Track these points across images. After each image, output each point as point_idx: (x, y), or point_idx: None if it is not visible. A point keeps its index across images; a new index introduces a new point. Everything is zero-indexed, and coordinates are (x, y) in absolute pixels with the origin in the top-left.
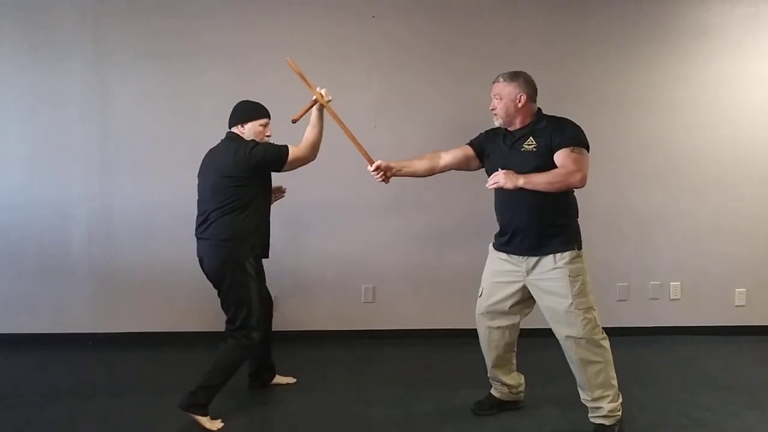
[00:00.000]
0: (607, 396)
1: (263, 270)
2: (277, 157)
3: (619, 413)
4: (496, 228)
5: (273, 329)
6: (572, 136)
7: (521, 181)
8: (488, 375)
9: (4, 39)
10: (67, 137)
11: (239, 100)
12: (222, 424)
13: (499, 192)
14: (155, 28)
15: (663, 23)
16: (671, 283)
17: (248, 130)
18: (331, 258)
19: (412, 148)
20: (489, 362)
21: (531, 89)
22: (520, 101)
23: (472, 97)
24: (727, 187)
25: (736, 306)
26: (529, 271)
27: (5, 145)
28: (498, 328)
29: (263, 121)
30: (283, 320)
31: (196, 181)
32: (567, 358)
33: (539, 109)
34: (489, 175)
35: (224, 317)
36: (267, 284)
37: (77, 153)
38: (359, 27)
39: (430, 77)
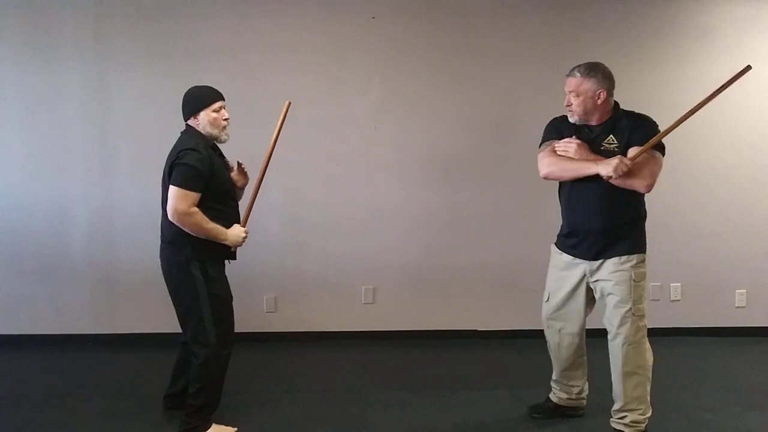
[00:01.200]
0: (639, 409)
1: (222, 273)
2: (175, 184)
3: (643, 426)
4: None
5: (273, 330)
6: (650, 136)
7: (625, 165)
8: (553, 378)
9: (4, 39)
10: (66, 138)
11: (188, 89)
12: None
13: (571, 189)
14: (155, 28)
15: (662, 25)
16: (671, 284)
17: (202, 120)
18: (331, 259)
19: (412, 149)
20: (559, 366)
21: (610, 83)
22: (599, 98)
23: (472, 98)
24: (727, 188)
25: (737, 307)
26: (593, 272)
27: (5, 145)
28: (569, 332)
29: (215, 105)
30: (283, 321)
31: None
32: (611, 363)
33: (616, 103)
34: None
35: None
36: (265, 286)
37: (77, 153)
38: (359, 28)
39: (430, 78)
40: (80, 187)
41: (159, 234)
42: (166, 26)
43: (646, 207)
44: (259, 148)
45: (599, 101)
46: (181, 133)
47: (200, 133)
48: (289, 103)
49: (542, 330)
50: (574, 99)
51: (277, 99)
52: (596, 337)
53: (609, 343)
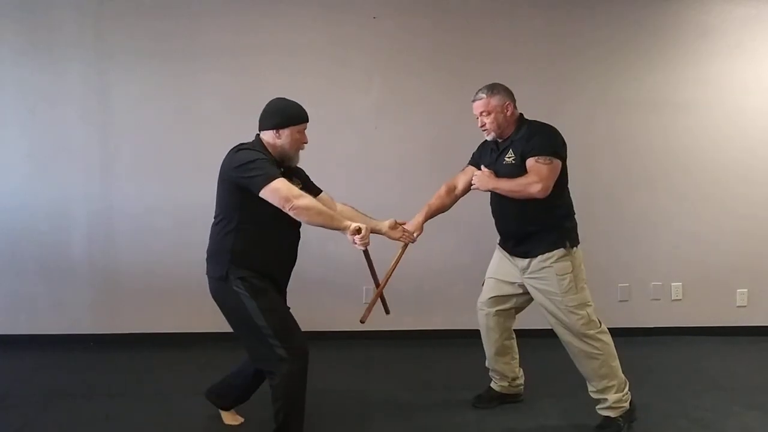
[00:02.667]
0: (612, 386)
1: (272, 289)
2: (260, 179)
3: (626, 404)
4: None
5: None
6: (540, 145)
7: (491, 184)
8: (487, 366)
9: (4, 39)
10: (67, 138)
11: (274, 99)
12: None
13: (491, 198)
14: (155, 28)
15: (663, 24)
16: (672, 284)
17: (285, 137)
18: (331, 259)
19: (412, 149)
20: (489, 351)
21: (512, 97)
22: (508, 110)
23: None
24: (728, 187)
25: (738, 306)
26: (523, 271)
27: (5, 145)
28: (496, 313)
29: (302, 126)
30: None
31: (197, 182)
32: (569, 353)
33: (521, 115)
34: None
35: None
36: None
37: (77, 154)
38: (360, 28)
39: (430, 78)
40: (80, 187)
41: (166, 234)
42: (167, 26)
43: (647, 208)
44: None
45: (508, 113)
46: (242, 144)
47: (267, 148)
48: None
49: (543, 329)
50: (486, 118)
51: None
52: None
53: (559, 336)
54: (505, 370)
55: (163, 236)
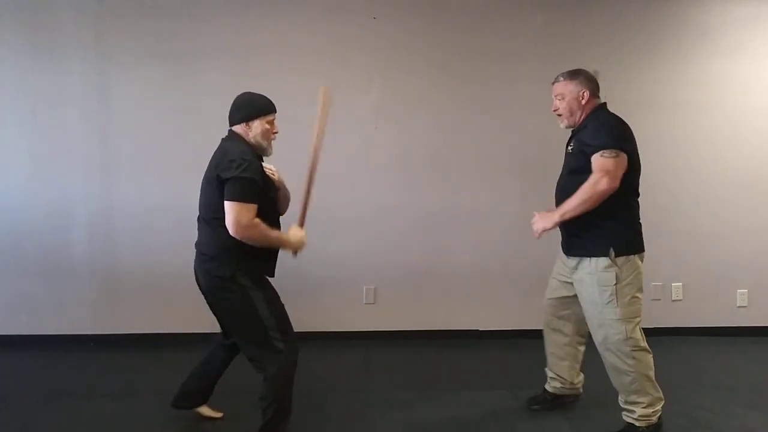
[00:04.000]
0: (641, 402)
1: (268, 280)
2: (235, 199)
3: (654, 419)
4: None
5: None
6: (600, 138)
7: (557, 216)
8: (546, 367)
9: (5, 39)
10: (67, 138)
11: (240, 93)
12: None
13: (557, 183)
14: (156, 28)
15: (663, 24)
16: (673, 284)
17: (255, 129)
18: (332, 259)
19: (413, 149)
20: (547, 352)
21: (592, 84)
22: (583, 98)
23: (473, 98)
24: (728, 188)
25: (738, 307)
26: (572, 271)
27: (6, 146)
28: (556, 318)
29: (270, 117)
30: None
31: (198, 182)
32: (603, 361)
33: (600, 105)
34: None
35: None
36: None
37: (78, 154)
38: (360, 28)
39: (431, 78)
40: (81, 188)
41: (166, 234)
42: (167, 26)
43: (647, 208)
44: None
45: (583, 101)
46: (223, 139)
47: (246, 141)
48: (324, 89)
49: (542, 329)
50: (559, 102)
51: (278, 99)
52: None
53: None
54: (563, 373)
55: (163, 236)
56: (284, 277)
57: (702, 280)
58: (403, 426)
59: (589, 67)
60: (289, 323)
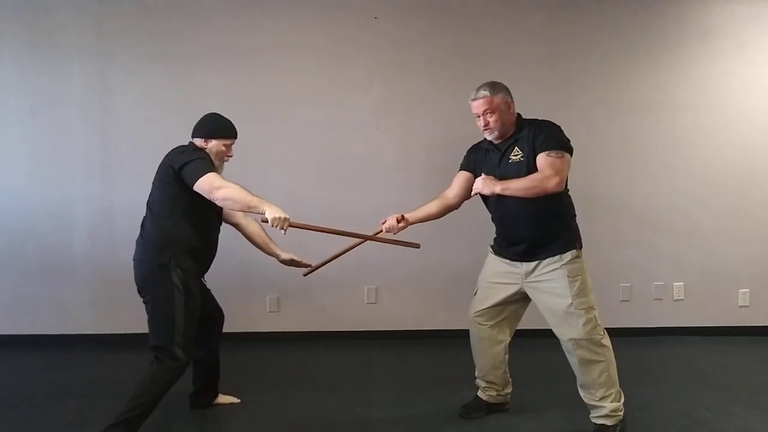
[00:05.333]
0: (610, 395)
1: (202, 286)
2: (200, 174)
3: (621, 413)
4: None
5: (276, 329)
6: (550, 139)
7: (498, 187)
8: (476, 375)
9: (5, 40)
10: (68, 138)
11: (209, 112)
12: None
13: (495, 203)
14: (156, 29)
15: (664, 24)
16: (674, 284)
17: (211, 147)
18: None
19: (413, 148)
20: (480, 363)
21: (511, 95)
22: (511, 108)
23: None
24: (729, 187)
25: (740, 306)
26: (527, 274)
27: (7, 146)
28: (491, 327)
29: (228, 141)
30: (286, 321)
31: None
32: (568, 359)
33: (519, 114)
34: None
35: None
36: (268, 286)
37: (78, 154)
38: (361, 28)
39: (431, 78)
40: (82, 188)
41: (137, 240)
42: (168, 27)
43: (649, 208)
44: (260, 148)
45: (512, 111)
46: (182, 146)
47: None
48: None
49: (543, 329)
50: (490, 117)
51: (278, 99)
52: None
53: (561, 341)
54: (499, 380)
55: None
56: (286, 276)
57: (703, 279)
58: (405, 426)
59: (590, 69)
60: (193, 338)
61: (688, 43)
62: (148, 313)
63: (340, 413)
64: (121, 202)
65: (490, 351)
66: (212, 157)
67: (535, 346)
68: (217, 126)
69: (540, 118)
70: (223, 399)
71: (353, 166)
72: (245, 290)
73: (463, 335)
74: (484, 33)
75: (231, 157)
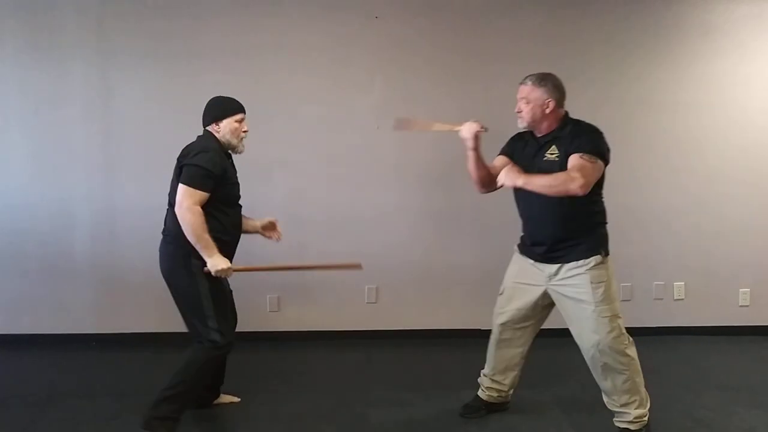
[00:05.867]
0: (634, 402)
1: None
2: (184, 182)
3: (646, 419)
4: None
5: (276, 329)
6: (586, 143)
7: (521, 180)
8: (483, 373)
9: (7, 40)
10: (70, 138)
11: (211, 97)
12: None
13: (522, 201)
14: (158, 29)
15: (666, 23)
16: (675, 283)
17: (224, 128)
18: (333, 259)
19: (414, 148)
20: (493, 363)
21: (559, 94)
22: (547, 107)
23: (475, 97)
24: (730, 187)
25: (740, 306)
26: (551, 277)
27: (8, 145)
28: (514, 330)
29: (238, 116)
30: (286, 320)
31: None
32: (589, 366)
33: (566, 113)
34: None
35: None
36: (268, 285)
37: (80, 154)
38: (362, 27)
39: (432, 77)
40: (83, 187)
41: (161, 232)
42: (169, 26)
43: (649, 207)
44: (261, 147)
45: (547, 110)
46: (198, 137)
47: (217, 139)
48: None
49: (545, 329)
50: (524, 106)
51: (280, 98)
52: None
53: (582, 348)
54: (507, 382)
55: None
56: (286, 276)
57: (704, 279)
58: (405, 425)
59: (592, 68)
60: (230, 320)
61: (689, 42)
62: (177, 306)
63: (340, 412)
64: (122, 201)
65: (507, 353)
66: (228, 137)
67: (536, 346)
68: (221, 106)
69: (587, 122)
70: (224, 398)
71: (354, 166)
72: (245, 289)
73: (463, 335)
74: (485, 32)
75: (246, 132)
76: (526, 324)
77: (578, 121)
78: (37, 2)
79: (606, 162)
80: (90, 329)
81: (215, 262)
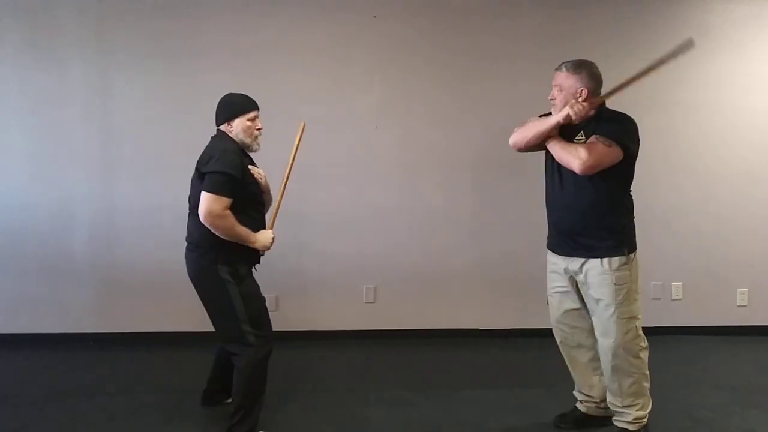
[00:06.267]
0: (637, 404)
1: (250, 274)
2: (207, 190)
3: (645, 420)
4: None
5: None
6: (610, 129)
7: (555, 119)
8: (577, 390)
9: (6, 39)
10: (69, 138)
11: (223, 96)
12: None
13: (551, 186)
14: (157, 28)
15: (664, 24)
16: (673, 283)
17: (236, 127)
18: (332, 258)
19: (413, 148)
20: (573, 375)
21: (594, 83)
22: (580, 95)
23: (473, 97)
24: (728, 187)
25: (738, 306)
26: (576, 273)
27: (8, 145)
28: (576, 329)
29: (251, 114)
30: (284, 320)
31: None
32: (601, 363)
33: (603, 103)
34: (547, 164)
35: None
36: (266, 285)
37: (79, 153)
38: (361, 27)
39: (431, 77)
40: (82, 187)
41: (167, 233)
42: (169, 25)
43: (647, 207)
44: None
45: (580, 99)
46: (212, 138)
47: (231, 138)
48: (304, 124)
49: (543, 329)
50: (557, 93)
51: (279, 98)
52: None
53: (598, 344)
54: (594, 393)
55: (163, 235)
56: (284, 275)
57: (702, 279)
58: (403, 425)
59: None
60: (266, 319)
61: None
62: (207, 311)
63: (338, 412)
64: (121, 201)
65: (579, 358)
66: (241, 137)
67: (535, 346)
68: (232, 106)
69: (620, 113)
70: None
71: (353, 166)
72: None
73: (461, 335)
74: (485, 32)
75: (261, 130)
76: (582, 322)
77: (613, 111)
78: (36, 2)
79: (627, 151)
80: (89, 329)
81: (262, 241)
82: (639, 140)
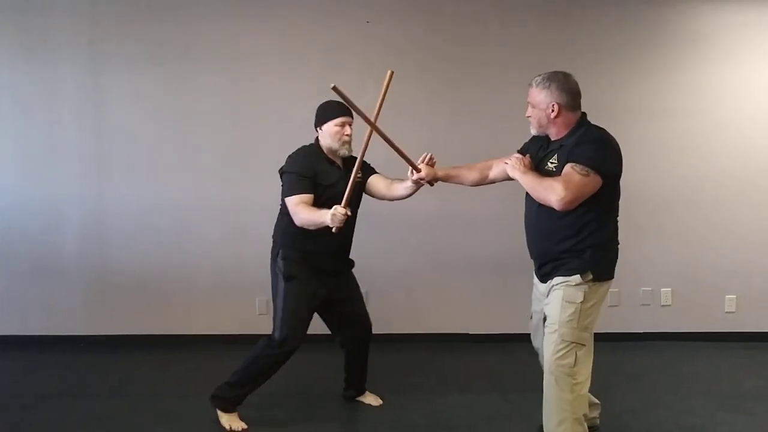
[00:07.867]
0: None
1: (352, 291)
2: (285, 191)
3: None
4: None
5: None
6: (582, 154)
7: (518, 173)
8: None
9: None
10: (61, 139)
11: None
12: (244, 427)
13: (528, 209)
14: (150, 31)
15: (654, 31)
16: (662, 290)
17: (325, 132)
18: None
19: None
20: None
21: (567, 97)
22: (552, 111)
23: (465, 104)
24: (717, 194)
25: (726, 312)
26: (546, 295)
27: None
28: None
29: (338, 120)
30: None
31: (191, 184)
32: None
33: (581, 117)
34: None
35: (217, 320)
36: (257, 288)
37: (71, 155)
38: (353, 33)
39: (423, 83)
40: (74, 189)
41: (158, 235)
42: (161, 29)
43: (637, 213)
44: (252, 149)
45: (552, 114)
46: (296, 152)
47: (318, 144)
48: (392, 72)
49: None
50: (531, 110)
51: (271, 101)
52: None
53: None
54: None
55: (156, 238)
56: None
57: (691, 285)
58: (394, 429)
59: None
60: (298, 325)
61: (679, 49)
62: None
63: (329, 416)
64: (112, 203)
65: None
66: (329, 142)
67: (526, 351)
68: (322, 112)
69: (601, 130)
70: (367, 398)
71: None
72: (234, 292)
73: (453, 339)
74: (476, 38)
75: (349, 135)
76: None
77: (588, 128)
78: (28, 4)
79: (605, 179)
80: (79, 331)
81: (331, 219)
82: (620, 159)
